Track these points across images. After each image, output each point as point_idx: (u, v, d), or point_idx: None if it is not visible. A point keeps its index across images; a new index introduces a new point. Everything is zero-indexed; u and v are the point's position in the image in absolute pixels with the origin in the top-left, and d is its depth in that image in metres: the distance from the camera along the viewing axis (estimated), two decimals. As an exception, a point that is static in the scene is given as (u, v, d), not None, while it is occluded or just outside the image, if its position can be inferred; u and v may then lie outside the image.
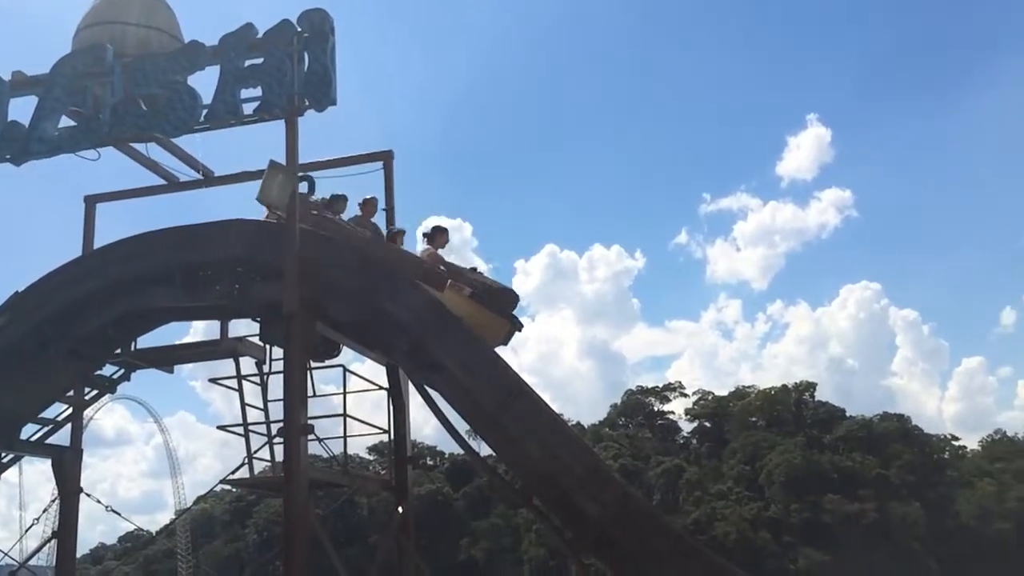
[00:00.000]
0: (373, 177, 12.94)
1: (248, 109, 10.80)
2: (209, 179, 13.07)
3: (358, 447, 69.05)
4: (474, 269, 11.76)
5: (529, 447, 9.79)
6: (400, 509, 12.31)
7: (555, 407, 10.78)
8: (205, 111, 10.82)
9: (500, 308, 11.01)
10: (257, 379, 11.95)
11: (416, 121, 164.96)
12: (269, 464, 12.02)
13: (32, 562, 13.69)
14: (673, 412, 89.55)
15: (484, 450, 13.45)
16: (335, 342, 11.75)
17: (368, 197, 12.51)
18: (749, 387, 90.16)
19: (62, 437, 12.73)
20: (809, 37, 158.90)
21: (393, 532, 12.49)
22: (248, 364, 12.02)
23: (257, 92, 10.73)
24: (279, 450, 10.96)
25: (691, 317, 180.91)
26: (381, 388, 12.42)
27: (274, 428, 11.24)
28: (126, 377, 12.70)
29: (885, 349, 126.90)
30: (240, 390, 11.88)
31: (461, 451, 12.78)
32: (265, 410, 11.79)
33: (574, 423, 77.32)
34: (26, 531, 16.26)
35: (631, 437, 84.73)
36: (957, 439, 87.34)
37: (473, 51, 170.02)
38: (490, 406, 9.91)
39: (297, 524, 9.86)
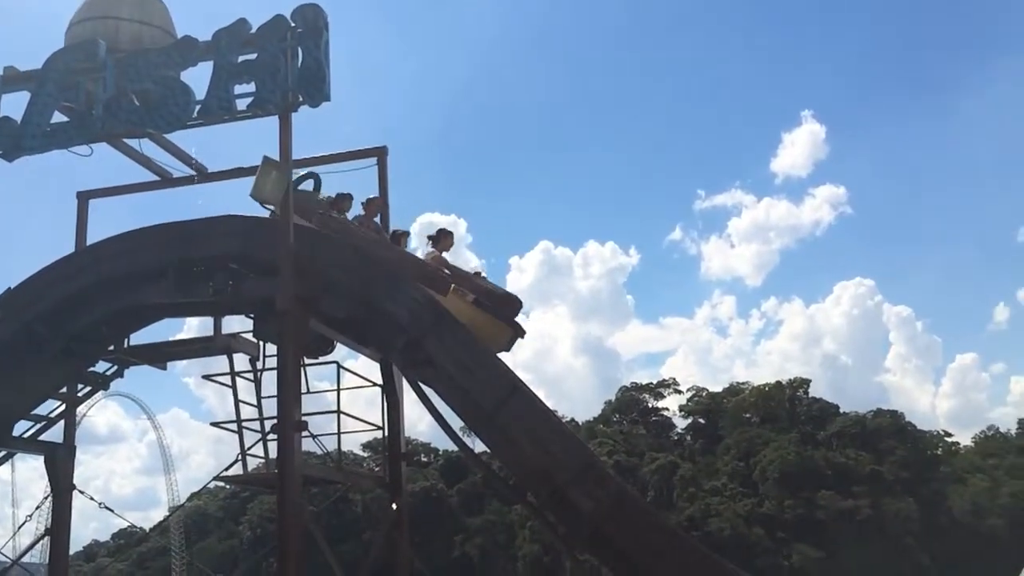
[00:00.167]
0: (367, 173, 12.93)
1: (241, 105, 10.75)
2: (202, 175, 13.03)
3: (352, 444, 69.04)
4: (478, 274, 11.68)
5: (523, 444, 9.79)
6: (394, 506, 12.30)
7: (549, 404, 10.79)
8: (198, 107, 10.78)
9: (503, 314, 10.94)
10: (251, 376, 11.94)
11: (410, 117, 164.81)
12: (263, 461, 12.00)
13: (25, 559, 13.69)
14: (667, 408, 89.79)
15: (478, 447, 13.46)
16: (329, 339, 11.73)
17: (371, 196, 12.46)
18: (743, 383, 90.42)
19: (55, 434, 12.70)
20: (803, 34, 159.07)
21: (387, 529, 12.49)
22: (242, 360, 12.01)
23: (250, 88, 10.68)
24: (273, 447, 10.96)
25: (685, 314, 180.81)
26: (375, 385, 12.41)
27: (268, 425, 11.24)
28: (119, 374, 12.67)
29: (879, 345, 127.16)
30: (234, 387, 11.86)
31: (455, 448, 12.79)
32: (259, 407, 11.77)
33: (568, 420, 77.36)
34: (19, 528, 16.23)
35: (625, 433, 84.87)
36: (950, 435, 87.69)
37: (468, 47, 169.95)
38: (485, 403, 9.90)
39: (291, 521, 9.84)
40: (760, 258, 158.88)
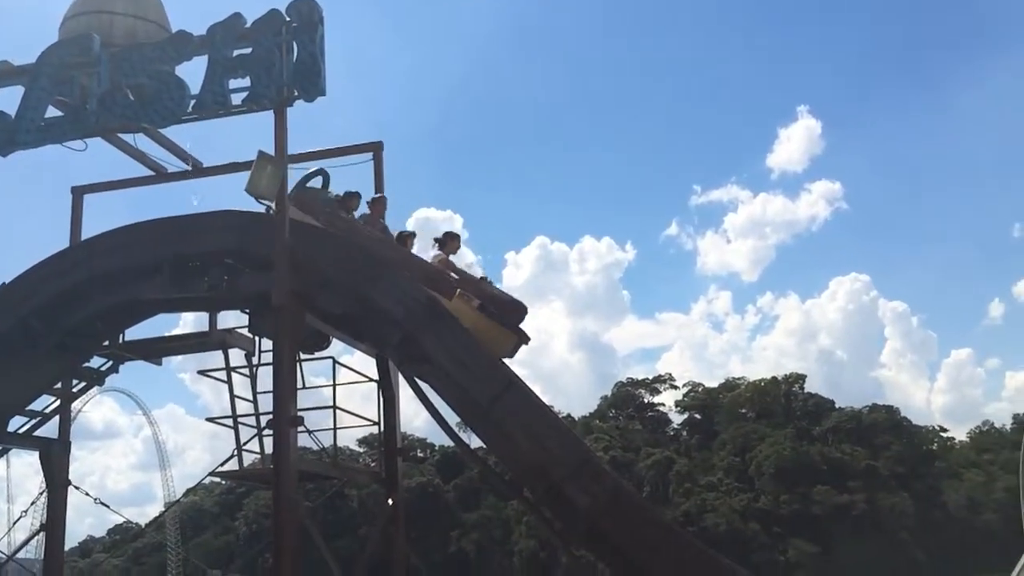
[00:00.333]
0: (363, 168, 12.88)
1: (236, 99, 10.71)
2: (197, 170, 12.99)
3: (348, 439, 68.94)
4: (484, 278, 11.60)
5: (519, 439, 9.78)
6: (390, 501, 12.29)
7: (545, 399, 10.75)
8: (193, 101, 10.74)
9: (508, 321, 10.88)
10: (246, 371, 11.91)
11: (406, 112, 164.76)
12: (259, 456, 11.97)
13: (20, 555, 13.67)
14: (663, 404, 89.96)
15: (475, 442, 13.43)
16: (325, 334, 11.71)
17: (377, 196, 12.38)
18: (739, 379, 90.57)
19: (50, 429, 12.66)
20: (800, 30, 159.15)
21: (383, 524, 12.48)
22: (237, 356, 11.97)
23: (245, 82, 10.64)
24: (268, 442, 10.94)
25: (681, 309, 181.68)
26: (371, 380, 12.39)
27: (263, 420, 11.22)
28: (114, 369, 12.65)
29: (874, 341, 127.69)
30: (229, 382, 11.84)
31: (451, 443, 12.77)
32: (254, 402, 11.75)
33: (564, 415, 77.44)
34: (14, 524, 16.19)
35: (621, 429, 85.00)
36: (945, 430, 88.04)
37: (463, 42, 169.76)
38: (481, 398, 9.88)
39: (287, 516, 9.83)
40: (756, 253, 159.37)
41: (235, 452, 11.57)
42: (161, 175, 13.11)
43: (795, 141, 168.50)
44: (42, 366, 11.87)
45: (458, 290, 10.75)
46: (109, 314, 11.67)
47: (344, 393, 11.97)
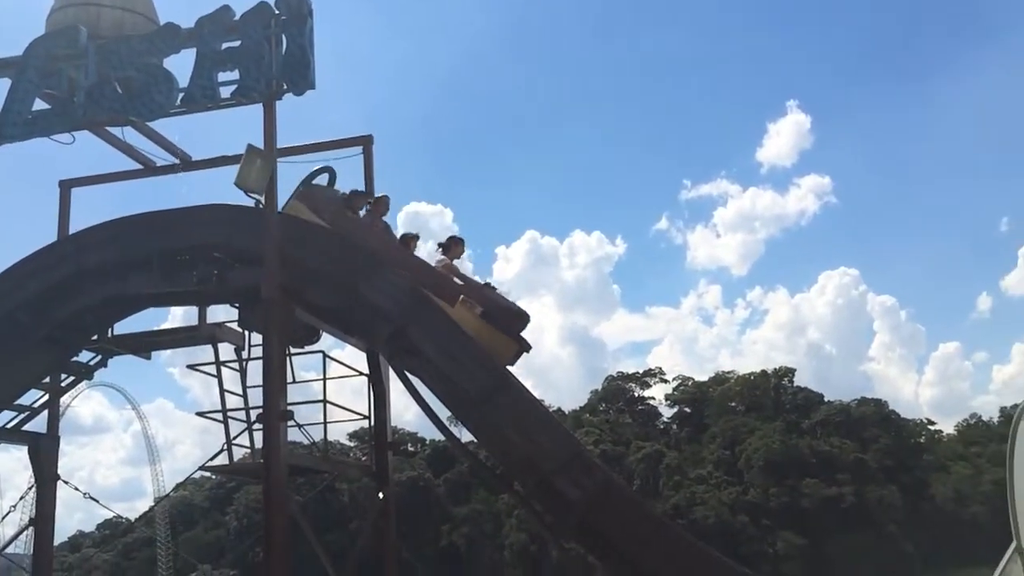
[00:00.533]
0: (352, 162, 12.83)
1: (225, 93, 10.68)
2: (186, 164, 12.91)
3: (338, 433, 69.16)
4: (488, 285, 11.55)
5: (510, 433, 9.79)
6: (381, 495, 12.29)
7: (536, 393, 10.77)
8: (181, 94, 10.70)
9: (510, 329, 10.84)
10: (236, 365, 11.88)
11: (396, 106, 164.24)
12: (249, 451, 11.95)
13: (9, 550, 13.62)
14: (653, 398, 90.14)
15: (465, 436, 13.43)
16: (315, 328, 11.68)
17: (380, 195, 12.32)
18: (728, 373, 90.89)
19: (39, 424, 12.60)
20: (789, 25, 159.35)
21: (374, 518, 12.48)
22: (227, 350, 11.94)
23: (234, 75, 10.60)
24: (259, 436, 10.92)
25: (671, 303, 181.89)
26: (361, 374, 12.38)
27: (253, 414, 11.19)
28: (103, 363, 12.58)
29: (863, 334, 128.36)
30: (219, 376, 11.81)
31: (442, 437, 12.76)
32: (244, 396, 11.72)
33: (555, 409, 77.44)
34: (3, 519, 16.08)
35: (611, 423, 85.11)
36: (933, 423, 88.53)
37: (454, 36, 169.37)
38: (471, 392, 9.89)
39: (277, 510, 9.83)
40: (745, 248, 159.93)
41: (225, 446, 11.54)
42: (149, 169, 13.03)
43: (784, 136, 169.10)
44: (30, 360, 11.81)
45: (461, 296, 10.68)
46: (98, 308, 11.61)
47: (334, 387, 11.97)
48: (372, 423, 12.45)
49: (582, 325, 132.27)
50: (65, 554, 75.13)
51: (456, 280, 11.03)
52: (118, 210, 11.79)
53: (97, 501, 14.03)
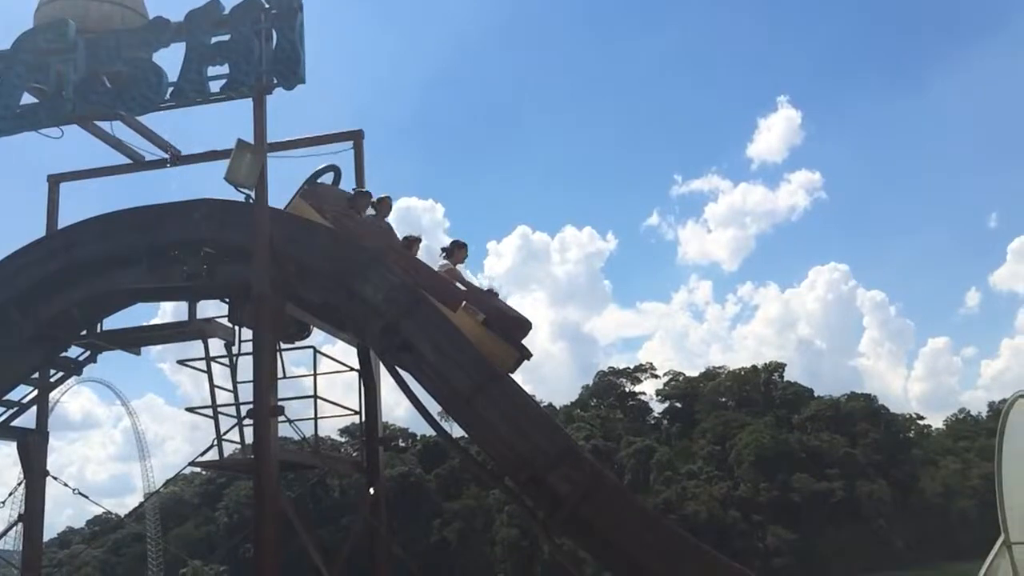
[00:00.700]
0: (343, 157, 12.78)
1: (215, 87, 10.63)
2: (176, 158, 12.86)
3: (329, 429, 68.85)
4: (491, 290, 11.50)
5: (501, 428, 9.77)
6: (372, 490, 12.27)
7: (527, 389, 10.74)
8: (171, 89, 10.65)
9: (511, 336, 10.81)
10: (226, 361, 11.82)
11: (387, 101, 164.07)
12: (239, 446, 11.91)
13: (-2, 546, 13.53)
14: (644, 393, 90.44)
15: (456, 432, 13.43)
16: (305, 323, 11.65)
17: (383, 196, 12.26)
18: (719, 368, 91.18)
19: (27, 420, 12.53)
20: (779, 20, 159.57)
21: (365, 514, 12.46)
22: (217, 345, 11.89)
23: (224, 70, 10.56)
24: (249, 432, 10.87)
25: (662, 299, 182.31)
26: (352, 369, 12.35)
27: (244, 410, 11.14)
28: (92, 359, 12.51)
29: (853, 330, 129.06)
30: (209, 372, 11.74)
31: (433, 433, 12.75)
32: (234, 392, 11.66)
33: (546, 404, 77.63)
34: (-8, 515, 16.07)
35: (603, 418, 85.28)
36: (922, 418, 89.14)
37: (445, 30, 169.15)
38: (462, 387, 9.87)
39: (268, 506, 9.80)
40: (736, 243, 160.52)
41: (215, 442, 11.49)
42: (139, 163, 12.97)
43: (775, 131, 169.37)
44: (19, 356, 11.74)
45: (464, 302, 10.64)
46: (87, 304, 11.56)
47: (325, 383, 11.92)
48: (363, 418, 12.43)
49: (573, 320, 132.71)
50: (55, 550, 74.86)
51: (459, 285, 11.00)
52: (107, 205, 11.79)
53: (87, 497, 13.97)
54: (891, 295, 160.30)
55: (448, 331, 10.09)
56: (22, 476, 12.66)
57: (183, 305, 12.13)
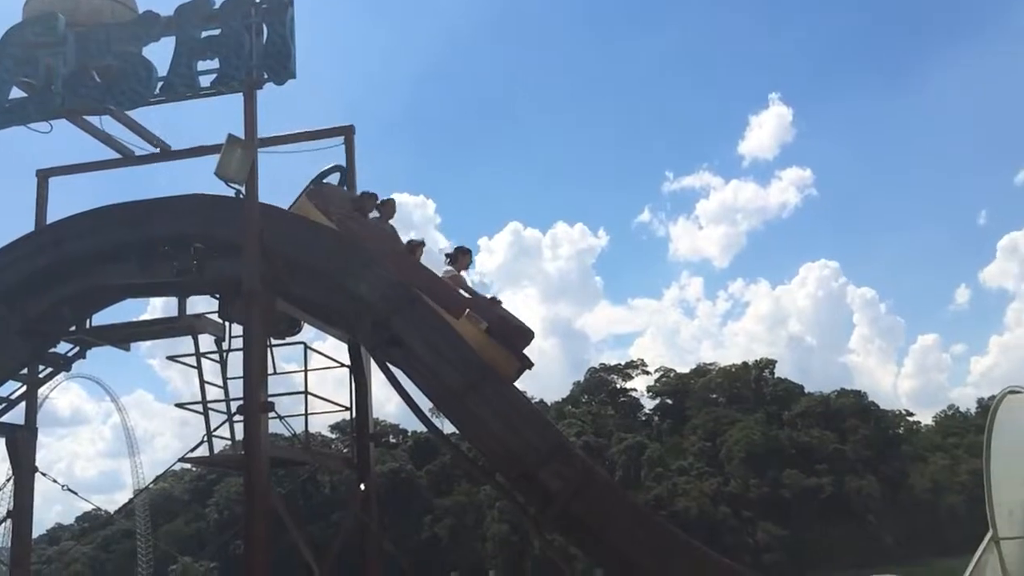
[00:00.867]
0: (334, 152, 12.76)
1: (205, 81, 10.59)
2: (166, 153, 12.81)
3: (320, 425, 68.63)
4: (494, 299, 11.47)
5: (492, 425, 9.78)
6: (362, 487, 12.26)
7: (518, 385, 10.72)
8: (161, 83, 10.60)
9: (513, 345, 10.77)
10: (216, 357, 11.79)
11: (378, 96, 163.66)
12: (229, 442, 11.88)
13: (-13, 542, 13.47)
14: (635, 389, 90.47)
15: (447, 428, 13.42)
16: (296, 319, 11.62)
17: (386, 199, 12.21)
18: (710, 364, 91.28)
19: (16, 416, 12.47)
20: (771, 16, 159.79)
21: (355, 510, 12.44)
22: (207, 341, 11.84)
23: (214, 64, 10.52)
24: (239, 428, 10.85)
25: (653, 295, 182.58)
26: (343, 366, 12.33)
27: (234, 406, 11.12)
28: (81, 355, 12.46)
29: (843, 326, 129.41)
30: (199, 368, 11.70)
31: (424, 429, 12.73)
32: (225, 388, 11.63)
33: (537, 401, 77.57)
34: (-20, 512, 15.99)
35: (594, 414, 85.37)
36: (912, 415, 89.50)
37: (437, 25, 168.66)
38: (454, 384, 9.87)
39: (258, 502, 9.78)
40: (727, 240, 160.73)
41: (205, 438, 11.46)
42: (128, 158, 12.91)
43: (766, 128, 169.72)
44: (8, 352, 11.68)
45: (467, 310, 10.60)
46: (76, 299, 11.52)
47: (316, 379, 11.93)
48: (354, 415, 12.41)
49: (565, 317, 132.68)
50: (44, 547, 74.61)
51: (463, 293, 10.97)
52: (97, 200, 11.70)
53: (76, 493, 13.92)
54: (881, 292, 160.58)
55: (442, 329, 10.08)
56: (11, 472, 12.60)
57: (173, 301, 12.12)
